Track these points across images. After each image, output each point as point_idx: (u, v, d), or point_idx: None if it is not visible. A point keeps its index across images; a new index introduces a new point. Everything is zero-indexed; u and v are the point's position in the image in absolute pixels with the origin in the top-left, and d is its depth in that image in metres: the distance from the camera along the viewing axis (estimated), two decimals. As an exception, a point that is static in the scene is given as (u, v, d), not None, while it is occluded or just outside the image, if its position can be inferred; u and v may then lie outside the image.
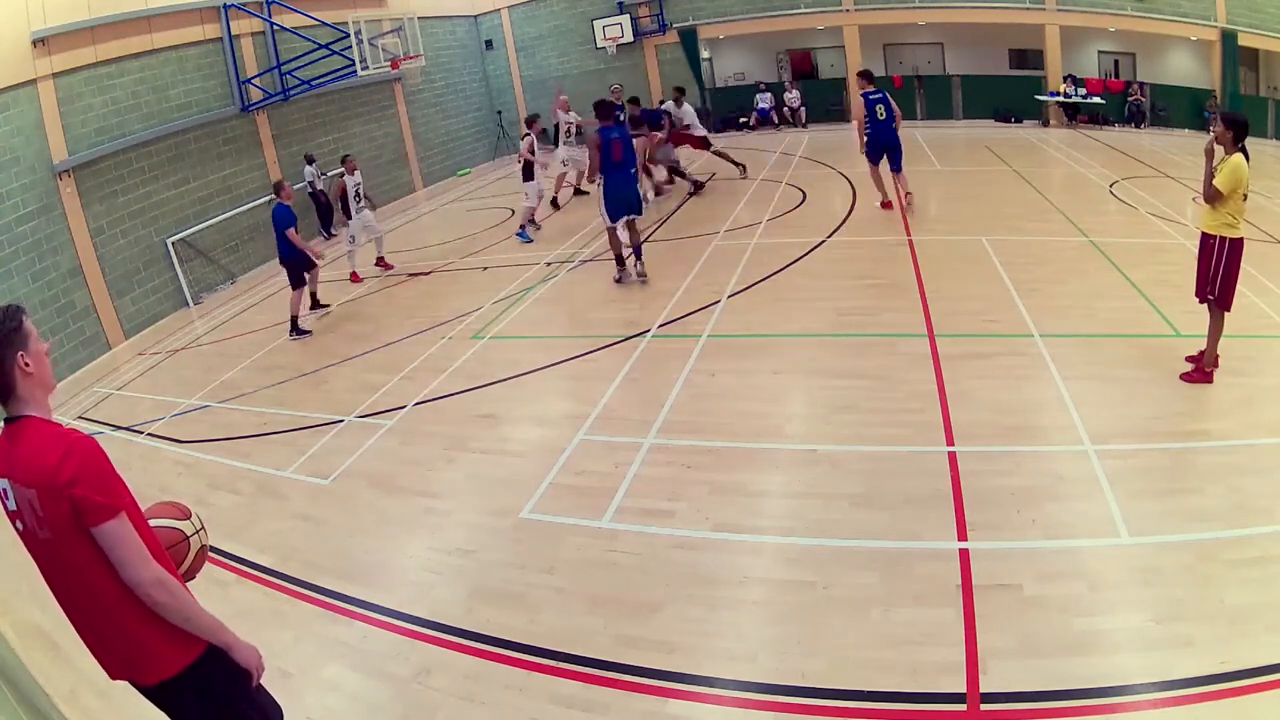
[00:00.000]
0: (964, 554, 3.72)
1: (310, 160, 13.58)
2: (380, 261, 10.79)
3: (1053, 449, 4.53)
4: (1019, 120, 16.76)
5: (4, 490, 2.10)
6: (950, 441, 4.67)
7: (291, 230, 8.67)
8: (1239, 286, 5.00)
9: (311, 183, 13.56)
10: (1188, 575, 3.43)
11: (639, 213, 8.36)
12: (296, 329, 8.78)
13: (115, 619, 2.10)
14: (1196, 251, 5.19)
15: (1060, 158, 13.04)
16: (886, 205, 9.94)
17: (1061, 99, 16.12)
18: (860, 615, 3.44)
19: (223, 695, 2.28)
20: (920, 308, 6.73)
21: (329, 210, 13.99)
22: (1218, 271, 4.98)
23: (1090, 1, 15.52)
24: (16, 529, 2.12)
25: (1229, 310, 5.05)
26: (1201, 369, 5.11)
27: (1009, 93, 17.11)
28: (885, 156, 9.87)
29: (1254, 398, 4.86)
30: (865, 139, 9.86)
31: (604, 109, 8.36)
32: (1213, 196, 4.89)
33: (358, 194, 10.39)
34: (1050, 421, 4.80)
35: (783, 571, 3.82)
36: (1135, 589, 3.41)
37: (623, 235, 8.42)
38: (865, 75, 10.14)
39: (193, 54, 11.67)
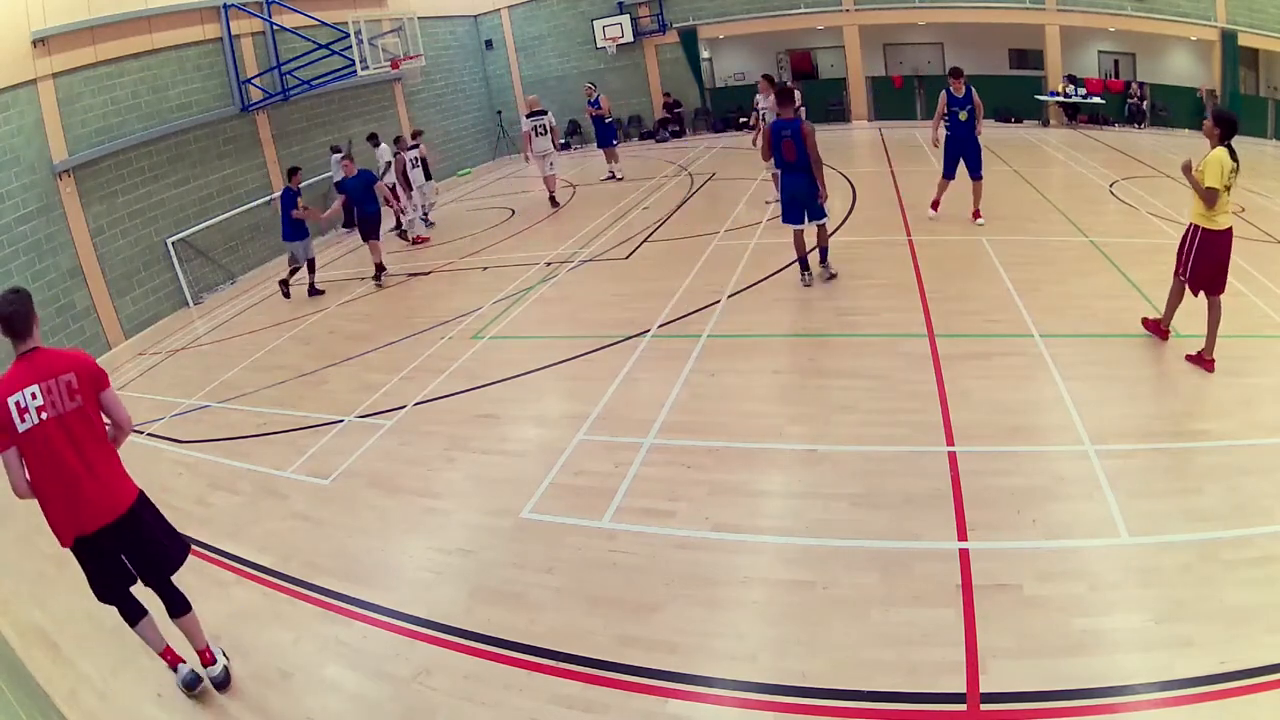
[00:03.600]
0: (964, 554, 3.72)
1: (336, 150, 13.61)
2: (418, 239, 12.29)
3: (1053, 449, 4.53)
4: (1019, 120, 16.75)
5: (32, 394, 3.03)
6: (950, 441, 4.67)
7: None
8: (1243, 288, 5.04)
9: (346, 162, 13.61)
10: (1188, 575, 3.43)
11: (819, 218, 7.45)
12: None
13: (111, 456, 3.23)
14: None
15: (1060, 158, 13.04)
16: (936, 206, 9.34)
17: (1061, 99, 16.12)
18: (860, 615, 3.44)
19: (155, 511, 3.41)
20: (920, 308, 6.72)
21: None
22: (1188, 257, 5.28)
23: (1090, 1, 15.52)
24: (39, 420, 3.03)
25: (1195, 295, 5.30)
26: (1203, 357, 5.23)
27: (1009, 93, 17.10)
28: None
29: (1254, 398, 4.86)
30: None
31: (784, 96, 7.37)
32: (1211, 198, 5.02)
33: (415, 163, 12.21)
34: (1050, 421, 4.80)
35: (783, 571, 3.82)
36: (1135, 589, 3.41)
37: (808, 237, 7.65)
38: (957, 73, 8.94)
39: (193, 54, 11.67)
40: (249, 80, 12.46)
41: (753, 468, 4.78)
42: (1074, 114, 16.28)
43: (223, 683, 3.48)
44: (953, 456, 4.52)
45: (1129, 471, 4.21)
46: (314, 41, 12.46)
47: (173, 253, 10.96)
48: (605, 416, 5.60)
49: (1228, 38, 14.46)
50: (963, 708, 2.91)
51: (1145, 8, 15.10)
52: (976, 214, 8.99)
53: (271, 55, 12.96)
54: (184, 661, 3.51)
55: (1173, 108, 15.66)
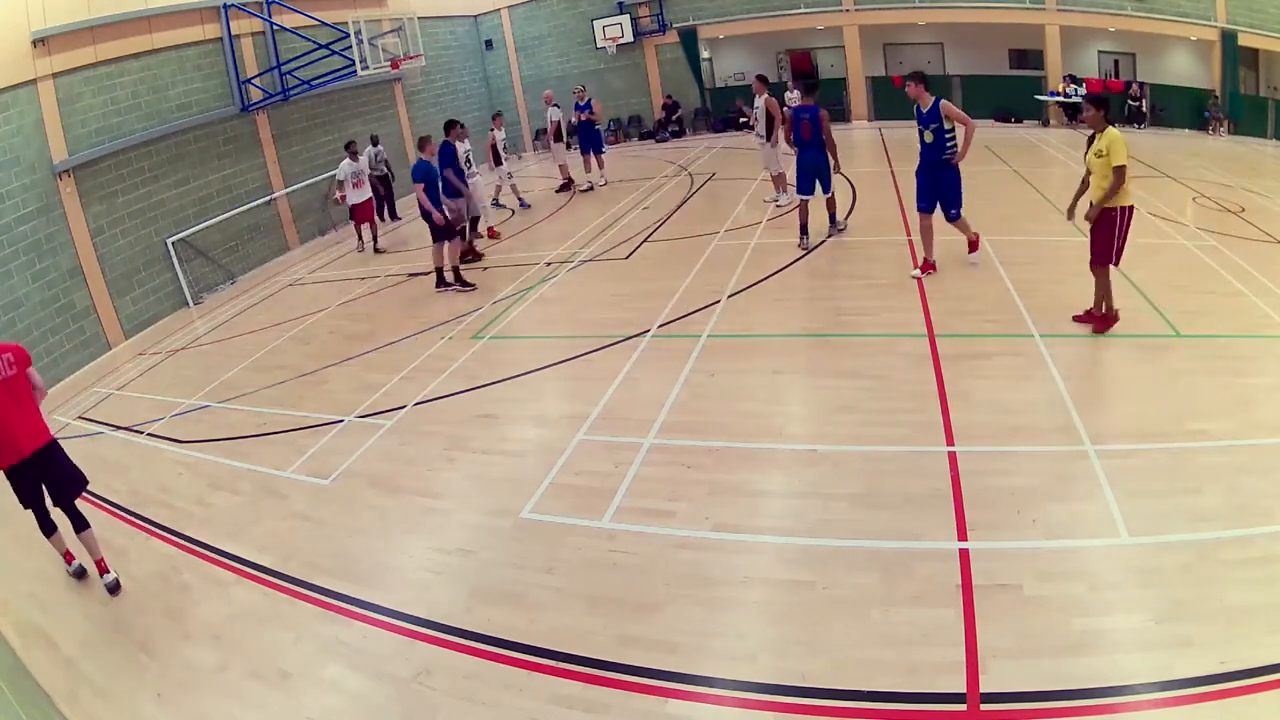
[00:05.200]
0: (964, 554, 3.72)
1: (374, 142, 13.75)
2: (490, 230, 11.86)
3: (1053, 449, 4.53)
4: (1019, 120, 16.75)
5: None
6: (950, 441, 4.67)
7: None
8: (1243, 288, 5.08)
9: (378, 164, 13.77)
10: (1188, 575, 3.43)
11: (826, 190, 8.71)
12: (443, 280, 9.31)
13: (36, 410, 4.47)
14: (1090, 229, 5.73)
15: (1060, 158, 13.03)
16: (927, 267, 7.42)
17: (1061, 99, 16.11)
18: (860, 615, 3.44)
19: (64, 452, 4.61)
20: (920, 308, 6.73)
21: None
22: (1124, 237, 5.59)
23: (1090, 1, 15.52)
24: None
25: (1112, 267, 5.76)
26: (1105, 317, 5.80)
27: (1009, 93, 17.10)
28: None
29: (1254, 398, 4.86)
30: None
31: (808, 88, 9.09)
32: (1122, 174, 5.37)
33: (468, 159, 11.04)
34: (1050, 421, 4.80)
35: (783, 571, 3.82)
36: (1135, 589, 3.41)
37: (813, 207, 8.79)
38: (916, 77, 7.03)
39: (193, 54, 11.66)
40: (249, 80, 12.46)
41: (753, 468, 4.78)
42: (1074, 114, 16.24)
43: (114, 588, 4.49)
44: (953, 456, 4.52)
45: (1129, 471, 4.21)
46: (314, 41, 12.45)
47: (173, 253, 10.95)
48: (605, 416, 5.60)
49: (1228, 38, 14.46)
50: (963, 708, 2.91)
51: (1145, 8, 15.10)
52: (973, 245, 7.62)
53: (271, 55, 12.96)
54: (75, 558, 4.70)
55: (1173, 108, 15.66)
